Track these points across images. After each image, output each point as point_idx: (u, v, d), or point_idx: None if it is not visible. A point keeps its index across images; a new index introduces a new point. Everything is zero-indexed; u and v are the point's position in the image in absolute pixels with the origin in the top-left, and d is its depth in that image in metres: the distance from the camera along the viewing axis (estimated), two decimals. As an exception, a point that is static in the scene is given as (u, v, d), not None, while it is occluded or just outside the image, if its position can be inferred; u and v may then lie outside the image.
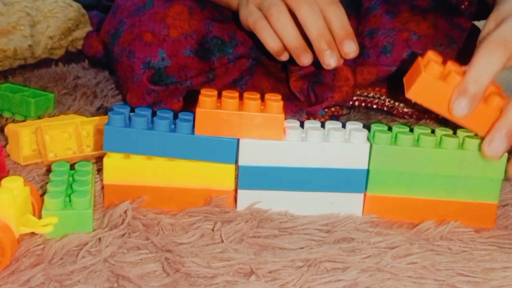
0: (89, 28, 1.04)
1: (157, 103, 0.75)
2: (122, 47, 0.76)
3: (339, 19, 0.63)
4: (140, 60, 0.74)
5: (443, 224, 0.54)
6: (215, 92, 0.54)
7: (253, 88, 0.77)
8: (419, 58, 0.52)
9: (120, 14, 0.80)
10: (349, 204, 0.55)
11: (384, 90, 0.82)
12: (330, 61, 0.63)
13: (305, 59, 0.64)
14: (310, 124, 0.55)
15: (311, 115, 0.77)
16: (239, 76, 0.78)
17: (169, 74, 0.74)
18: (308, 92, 0.77)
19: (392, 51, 0.79)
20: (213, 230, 0.51)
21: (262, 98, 0.54)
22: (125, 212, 0.52)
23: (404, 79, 0.53)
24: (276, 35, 0.64)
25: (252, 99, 0.53)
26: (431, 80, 0.50)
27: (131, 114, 0.54)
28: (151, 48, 0.74)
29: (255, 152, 0.54)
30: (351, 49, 0.63)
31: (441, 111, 0.51)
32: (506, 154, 0.53)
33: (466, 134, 0.55)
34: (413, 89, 0.50)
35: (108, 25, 0.82)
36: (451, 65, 0.51)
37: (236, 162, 0.54)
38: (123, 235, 0.50)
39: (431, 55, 0.51)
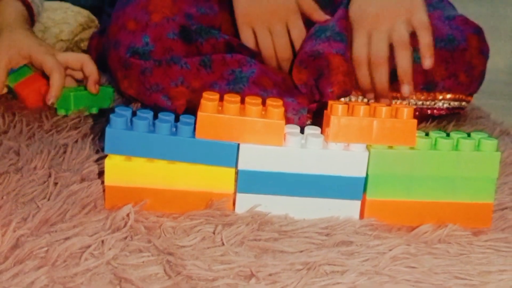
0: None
1: (154, 86, 0.75)
2: (109, 40, 0.77)
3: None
4: (125, 47, 0.75)
5: (441, 227, 0.55)
6: (217, 96, 0.55)
7: (254, 86, 0.77)
8: (325, 111, 0.57)
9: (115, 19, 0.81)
10: (346, 211, 0.56)
11: None
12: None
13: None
14: (310, 130, 0.56)
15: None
16: (238, 67, 0.77)
17: (154, 57, 0.74)
18: (312, 89, 0.77)
19: None
20: (214, 233, 0.52)
21: (264, 102, 0.55)
22: (128, 215, 0.53)
23: (323, 133, 0.56)
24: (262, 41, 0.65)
25: (253, 104, 0.54)
26: (343, 118, 0.54)
27: (133, 117, 0.55)
28: (134, 35, 0.75)
29: (255, 157, 0.54)
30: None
31: (365, 140, 0.54)
32: (499, 153, 0.55)
33: (459, 135, 0.56)
34: (331, 134, 0.54)
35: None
36: (354, 103, 0.56)
37: (236, 165, 0.55)
38: (126, 237, 0.50)
39: (331, 103, 0.55)
